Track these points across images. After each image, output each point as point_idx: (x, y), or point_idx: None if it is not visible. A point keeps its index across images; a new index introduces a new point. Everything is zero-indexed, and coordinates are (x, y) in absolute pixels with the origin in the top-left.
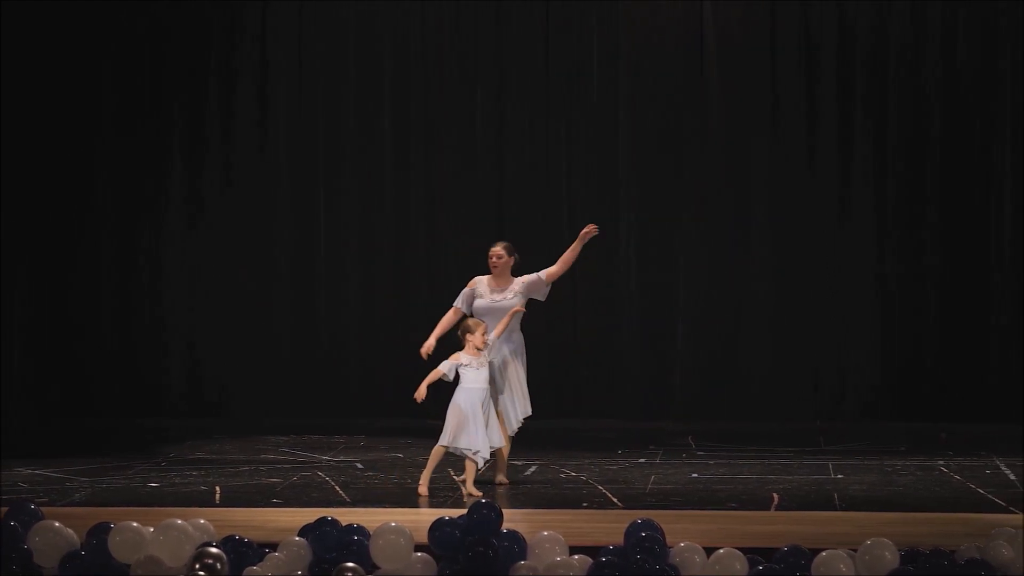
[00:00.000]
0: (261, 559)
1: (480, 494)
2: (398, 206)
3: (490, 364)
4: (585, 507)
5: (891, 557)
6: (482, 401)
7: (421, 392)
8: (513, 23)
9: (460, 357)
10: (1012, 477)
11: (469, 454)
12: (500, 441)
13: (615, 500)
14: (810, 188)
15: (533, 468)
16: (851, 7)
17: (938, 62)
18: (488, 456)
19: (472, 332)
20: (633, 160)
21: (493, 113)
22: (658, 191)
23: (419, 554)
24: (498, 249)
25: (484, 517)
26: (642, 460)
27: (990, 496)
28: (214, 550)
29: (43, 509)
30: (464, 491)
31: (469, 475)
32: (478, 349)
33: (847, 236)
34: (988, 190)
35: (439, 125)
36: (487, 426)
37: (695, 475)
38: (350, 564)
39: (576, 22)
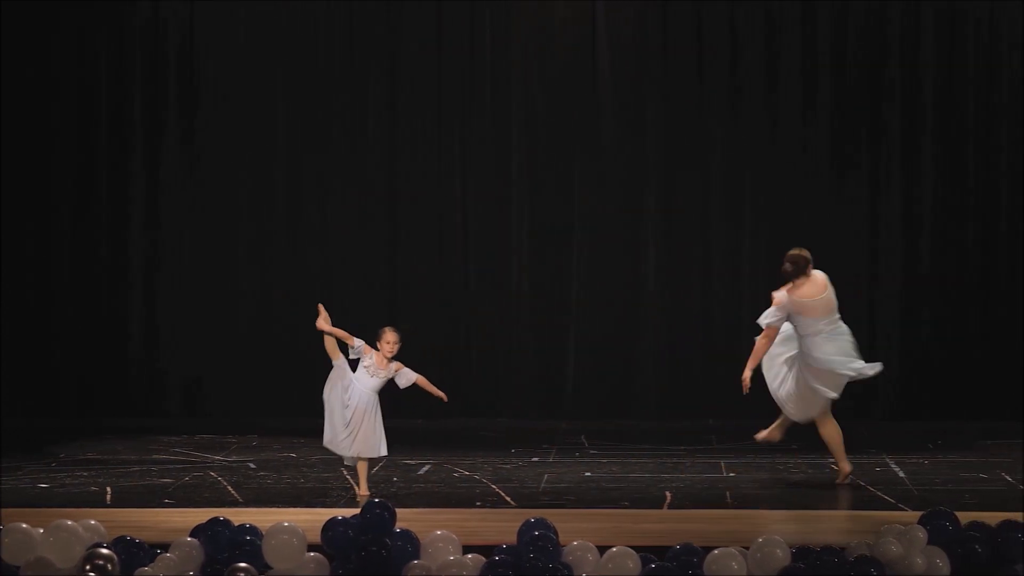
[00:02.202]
0: (152, 560)
1: (368, 494)
2: (291, 209)
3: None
4: (478, 506)
5: (782, 554)
6: (369, 405)
7: (323, 321)
8: (404, 23)
9: (371, 354)
10: (901, 475)
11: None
12: (379, 453)
13: (508, 499)
14: (698, 185)
15: (427, 467)
16: (742, 7)
17: (827, 56)
18: (351, 454)
19: (381, 340)
20: (525, 160)
21: (386, 113)
22: (550, 191)
23: (312, 554)
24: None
25: (377, 517)
26: (535, 459)
27: (880, 493)
28: (105, 551)
29: None
30: (357, 491)
31: (362, 475)
32: (386, 359)
33: (736, 230)
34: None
35: (326, 125)
36: (362, 433)
37: (588, 474)
38: (242, 564)
39: (469, 22)
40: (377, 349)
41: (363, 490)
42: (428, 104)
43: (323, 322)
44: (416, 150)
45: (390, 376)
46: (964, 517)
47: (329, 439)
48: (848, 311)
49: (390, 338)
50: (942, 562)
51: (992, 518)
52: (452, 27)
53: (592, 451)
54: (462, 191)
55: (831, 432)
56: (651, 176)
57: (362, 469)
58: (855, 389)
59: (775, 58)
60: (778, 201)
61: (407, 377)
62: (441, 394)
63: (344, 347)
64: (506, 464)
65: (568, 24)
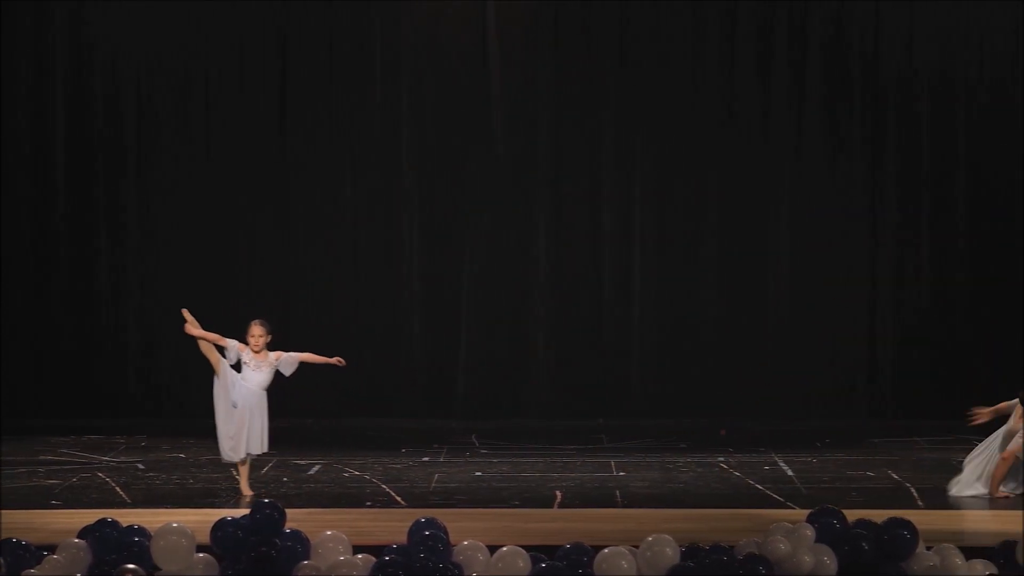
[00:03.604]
0: (39, 562)
1: (253, 493)
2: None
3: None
4: (369, 506)
5: (672, 553)
6: (255, 403)
7: (191, 326)
8: (294, 22)
9: (245, 352)
10: (790, 473)
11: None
12: (261, 450)
13: (399, 499)
14: (588, 181)
15: (317, 467)
16: (633, 6)
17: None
18: (239, 458)
19: (248, 332)
20: (417, 158)
21: (274, 109)
22: (441, 189)
23: (201, 555)
24: None
25: (267, 517)
26: (426, 459)
27: (768, 492)
28: None
29: None
30: (244, 493)
31: (243, 475)
32: (254, 352)
33: (625, 225)
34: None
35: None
36: (249, 432)
37: (479, 473)
38: (131, 566)
39: (359, 21)
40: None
41: (246, 490)
42: (319, 102)
43: (192, 327)
44: (307, 150)
45: (273, 367)
46: (851, 515)
47: (221, 447)
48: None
49: (255, 331)
50: (829, 560)
51: (879, 516)
52: (342, 26)
53: (483, 450)
54: (353, 190)
55: None
56: (542, 172)
57: (244, 469)
58: (752, 386)
59: (666, 52)
60: (671, 196)
61: (290, 363)
62: (335, 360)
63: (223, 350)
64: (396, 464)
65: (459, 22)
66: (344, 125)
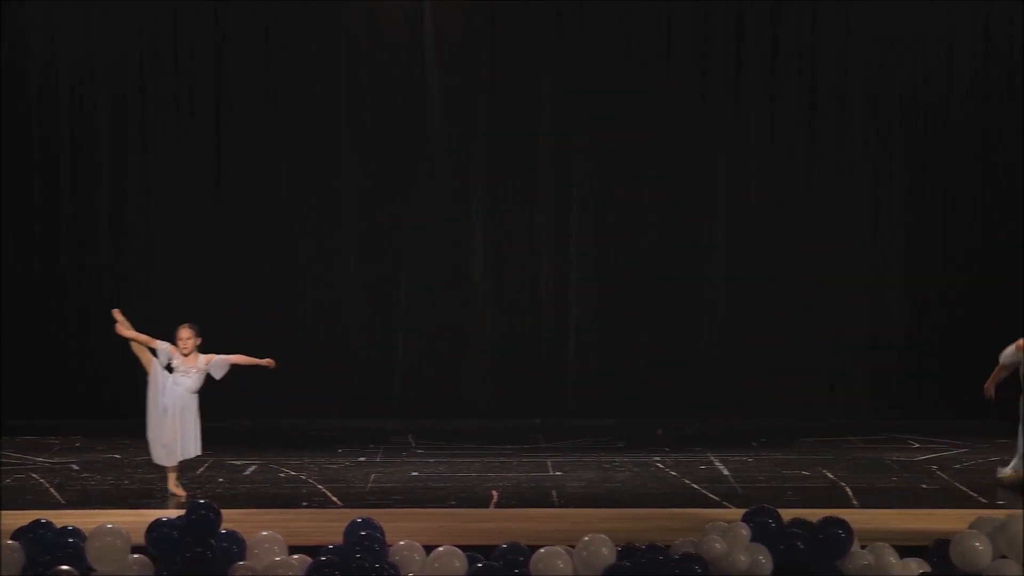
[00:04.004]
0: None
1: (184, 493)
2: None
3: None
4: (305, 506)
5: (608, 553)
6: (185, 406)
7: (122, 327)
8: (230, 21)
9: (176, 355)
10: (725, 472)
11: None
12: (194, 453)
13: (335, 499)
14: (526, 183)
15: (252, 468)
16: (567, 6)
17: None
18: (173, 463)
19: (177, 338)
20: (355, 158)
21: (211, 107)
22: (380, 189)
23: (136, 556)
24: None
25: (202, 518)
26: (362, 459)
27: (704, 491)
28: None
29: None
30: (174, 493)
31: (172, 476)
32: (183, 355)
33: (562, 229)
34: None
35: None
36: (180, 435)
37: (415, 473)
38: (65, 567)
39: (298, 22)
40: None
41: (176, 490)
42: (257, 103)
43: (123, 328)
44: (245, 150)
45: (203, 370)
46: (786, 514)
47: (152, 450)
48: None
49: (183, 334)
50: (765, 559)
51: (814, 515)
52: (280, 26)
53: (419, 451)
54: (290, 190)
55: None
56: (478, 173)
57: (174, 470)
58: (686, 385)
59: (601, 54)
60: (609, 197)
61: (220, 366)
62: (266, 361)
63: (155, 352)
64: (333, 464)
65: (397, 23)
66: (281, 124)
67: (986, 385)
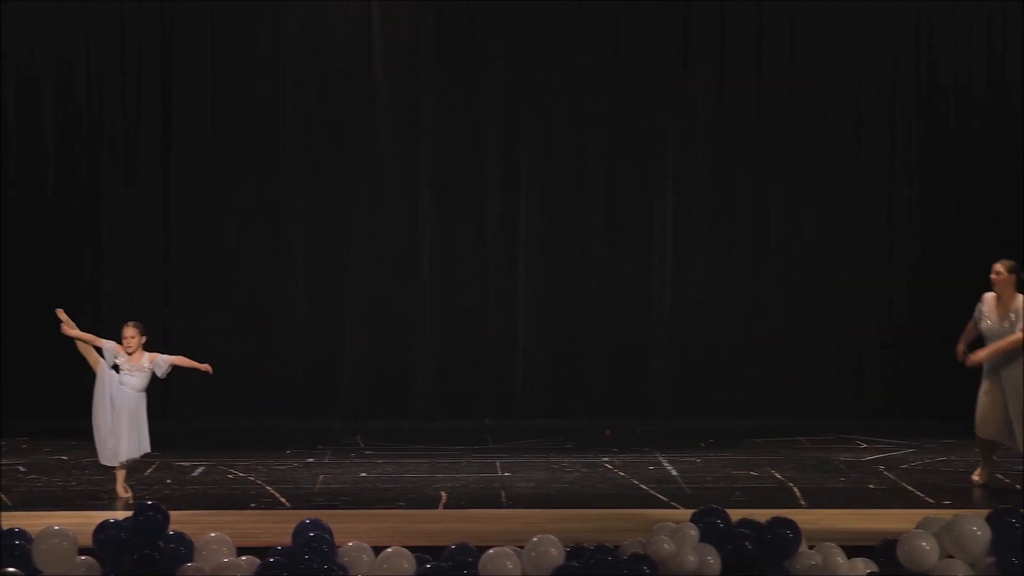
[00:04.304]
0: None
1: (129, 494)
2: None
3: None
4: (253, 507)
5: (557, 553)
6: (133, 406)
7: (67, 327)
8: (177, 20)
9: (121, 354)
10: (674, 473)
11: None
12: (140, 452)
13: (283, 500)
14: (474, 182)
15: (201, 469)
16: (516, 7)
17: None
18: (118, 463)
19: (122, 336)
20: (301, 157)
21: (160, 112)
22: (325, 188)
23: (83, 557)
24: (997, 265)
25: (150, 519)
26: (311, 460)
27: (652, 492)
28: None
29: None
30: (121, 495)
31: (120, 476)
32: (128, 353)
33: (511, 227)
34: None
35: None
36: (126, 435)
37: (363, 474)
38: (11, 570)
39: (243, 20)
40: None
41: (122, 491)
42: (202, 102)
43: (68, 328)
44: (191, 148)
45: (148, 369)
46: (735, 515)
47: (99, 450)
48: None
49: (127, 333)
50: (713, 559)
51: (762, 515)
52: (225, 25)
53: (368, 451)
54: (236, 189)
55: None
56: (424, 173)
57: (121, 471)
58: (631, 389)
59: (551, 53)
60: (557, 195)
61: (163, 365)
62: (204, 367)
63: (101, 351)
64: (281, 465)
65: (343, 23)
66: (227, 125)
67: (958, 347)
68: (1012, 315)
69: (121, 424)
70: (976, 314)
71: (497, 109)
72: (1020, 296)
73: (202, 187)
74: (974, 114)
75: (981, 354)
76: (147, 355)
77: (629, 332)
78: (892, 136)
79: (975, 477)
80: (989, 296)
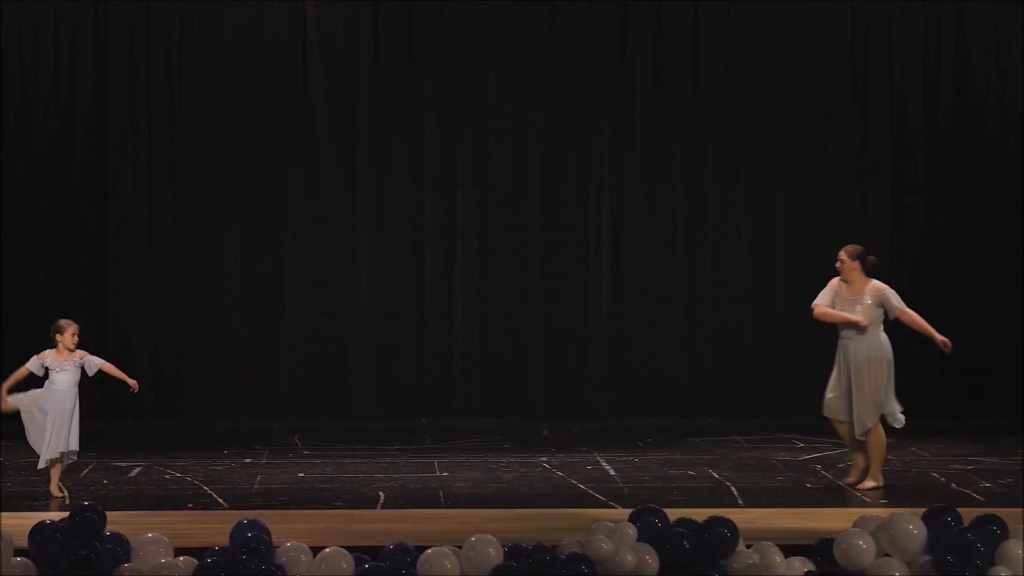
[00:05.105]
0: None
1: (64, 494)
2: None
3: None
4: (190, 508)
5: (495, 553)
6: (69, 404)
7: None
8: (112, 22)
9: (47, 357)
10: (612, 472)
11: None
12: (69, 447)
13: (221, 501)
14: (409, 182)
15: (138, 469)
16: (451, 5)
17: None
18: (55, 457)
19: (62, 332)
20: (237, 161)
21: (91, 108)
22: (261, 190)
23: (19, 559)
24: (841, 252)
25: (87, 520)
26: (248, 460)
27: (591, 491)
28: None
29: None
30: (56, 495)
31: (54, 475)
32: (68, 350)
33: (447, 229)
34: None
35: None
36: (62, 432)
37: (301, 474)
38: None
39: (178, 22)
40: (54, 347)
41: (55, 490)
42: (137, 104)
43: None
44: (128, 151)
45: (79, 363)
46: (672, 514)
47: (40, 454)
48: None
49: (72, 328)
50: (651, 558)
51: (699, 514)
52: (159, 27)
53: (306, 451)
54: (173, 190)
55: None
56: (362, 171)
57: (55, 470)
58: (569, 386)
59: (484, 51)
60: (493, 191)
61: (93, 365)
62: (131, 381)
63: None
64: (218, 465)
65: (278, 24)
66: (163, 125)
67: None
68: (867, 298)
69: (60, 421)
70: (831, 298)
71: (432, 110)
72: (872, 281)
73: (139, 188)
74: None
75: (829, 311)
76: (76, 353)
77: (566, 331)
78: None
79: (849, 480)
80: (836, 282)
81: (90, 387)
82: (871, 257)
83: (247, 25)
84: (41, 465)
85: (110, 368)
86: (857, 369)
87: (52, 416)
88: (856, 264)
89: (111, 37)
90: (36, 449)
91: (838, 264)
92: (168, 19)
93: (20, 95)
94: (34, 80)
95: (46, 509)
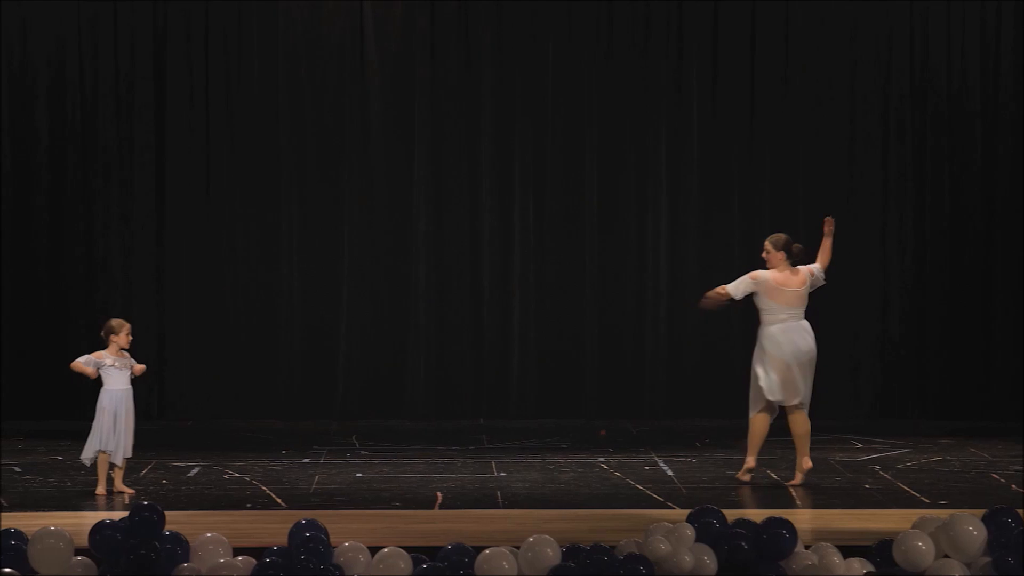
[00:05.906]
0: None
1: (131, 491)
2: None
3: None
4: (249, 508)
5: (553, 553)
6: (128, 405)
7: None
8: (171, 22)
9: (104, 356)
10: (669, 473)
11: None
12: (129, 452)
13: (279, 500)
14: (467, 180)
15: (197, 469)
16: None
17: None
18: (119, 459)
19: (116, 333)
20: (294, 157)
21: (150, 108)
22: (322, 187)
23: (79, 558)
24: (766, 243)
25: (146, 519)
26: (306, 460)
27: (648, 492)
28: None
29: None
30: (122, 491)
31: (108, 474)
32: (122, 349)
33: (506, 227)
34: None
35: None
36: (125, 433)
37: (359, 475)
38: (7, 570)
39: (236, 21)
40: (105, 348)
41: (101, 489)
42: (196, 104)
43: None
44: (185, 152)
45: (129, 365)
46: (731, 515)
47: (95, 449)
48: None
49: (127, 328)
50: (709, 559)
51: (757, 515)
52: (219, 26)
53: (363, 452)
54: (232, 188)
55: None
56: (419, 175)
57: (103, 469)
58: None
59: (541, 52)
60: (557, 193)
61: (135, 367)
62: (138, 367)
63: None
64: (277, 465)
65: (336, 22)
66: (222, 123)
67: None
68: (808, 286)
69: (122, 422)
70: (756, 289)
71: (490, 112)
72: (800, 269)
73: (196, 187)
74: (973, 115)
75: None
76: (125, 354)
77: (625, 332)
78: (890, 138)
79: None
80: (768, 273)
81: (152, 389)
82: (796, 244)
83: (303, 27)
84: (88, 460)
85: (140, 369)
86: (772, 349)
87: (110, 417)
88: (782, 255)
89: (169, 36)
90: (96, 448)
91: (764, 255)
92: (225, 18)
93: (80, 95)
94: (94, 78)
95: (106, 509)
